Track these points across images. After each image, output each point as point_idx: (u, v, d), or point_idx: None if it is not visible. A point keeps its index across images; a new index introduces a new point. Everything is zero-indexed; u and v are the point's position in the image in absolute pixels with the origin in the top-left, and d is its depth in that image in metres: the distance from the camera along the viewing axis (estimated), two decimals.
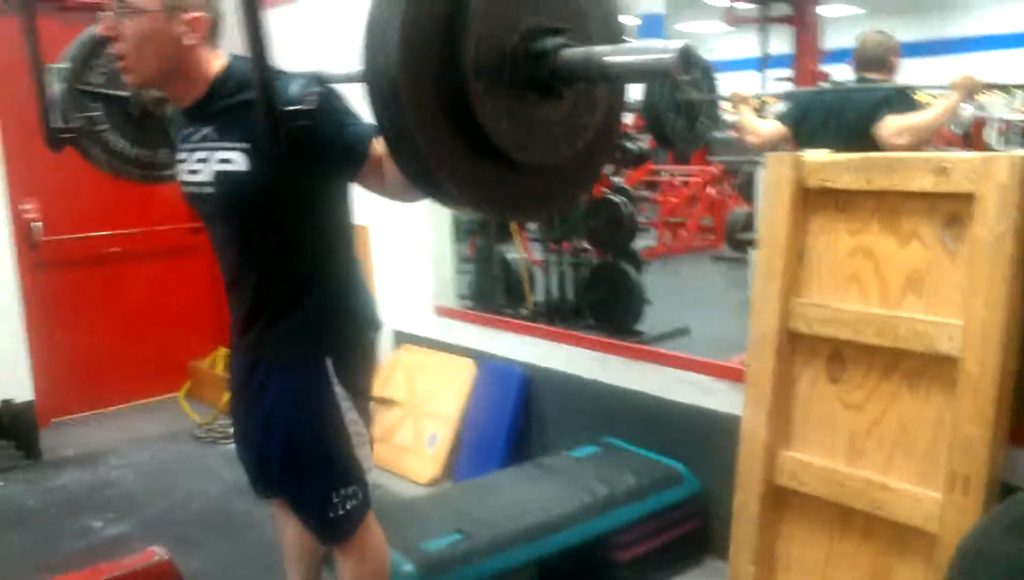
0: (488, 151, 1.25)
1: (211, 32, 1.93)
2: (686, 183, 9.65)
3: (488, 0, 1.20)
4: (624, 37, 1.47)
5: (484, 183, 1.30)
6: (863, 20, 18.25)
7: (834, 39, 5.73)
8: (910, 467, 2.27)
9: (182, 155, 2.04)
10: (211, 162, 1.96)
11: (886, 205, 2.33)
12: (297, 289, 2.02)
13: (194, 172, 1.99)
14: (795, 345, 2.51)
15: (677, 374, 3.09)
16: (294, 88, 1.83)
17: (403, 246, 4.26)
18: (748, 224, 6.66)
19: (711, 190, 9.47)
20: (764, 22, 4.33)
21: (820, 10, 4.88)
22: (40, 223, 4.52)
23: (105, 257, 4.79)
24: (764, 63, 4.62)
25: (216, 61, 1.96)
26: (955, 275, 2.19)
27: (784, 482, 2.50)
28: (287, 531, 2.37)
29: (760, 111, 3.77)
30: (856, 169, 2.36)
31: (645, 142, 5.60)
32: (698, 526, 2.97)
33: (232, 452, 2.41)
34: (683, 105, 4.28)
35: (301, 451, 2.06)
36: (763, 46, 4.64)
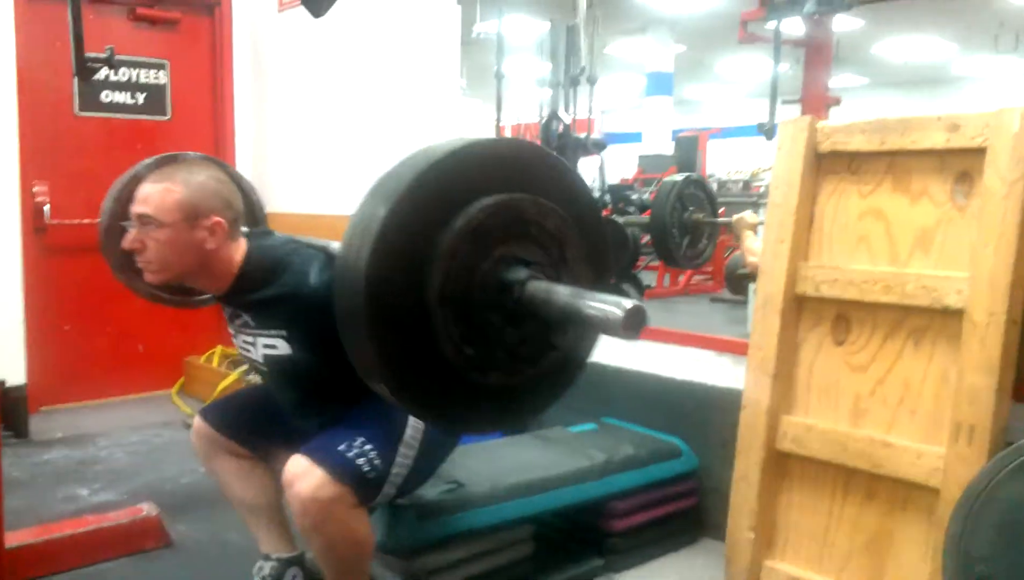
0: (443, 366, 1.22)
1: (231, 230, 2.03)
2: None
3: (470, 224, 1.20)
4: (607, 276, 1.42)
5: (432, 394, 1.27)
6: (867, 89, 18.69)
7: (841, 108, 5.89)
8: (914, 425, 2.25)
9: (231, 329, 2.21)
10: (258, 346, 2.12)
11: (898, 165, 2.34)
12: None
13: (246, 350, 2.19)
14: (801, 309, 2.50)
15: (676, 350, 3.07)
16: (313, 272, 1.99)
17: None
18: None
19: None
20: (777, 41, 4.43)
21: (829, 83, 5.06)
22: (48, 205, 4.54)
23: None
24: (774, 90, 4.69)
25: (237, 253, 2.06)
26: (964, 231, 2.20)
27: (786, 447, 2.46)
28: (251, 483, 2.40)
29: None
30: (869, 131, 2.38)
31: (647, 194, 5.58)
32: (694, 504, 2.92)
33: None
34: (689, 226, 4.28)
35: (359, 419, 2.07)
36: (775, 66, 4.70)
